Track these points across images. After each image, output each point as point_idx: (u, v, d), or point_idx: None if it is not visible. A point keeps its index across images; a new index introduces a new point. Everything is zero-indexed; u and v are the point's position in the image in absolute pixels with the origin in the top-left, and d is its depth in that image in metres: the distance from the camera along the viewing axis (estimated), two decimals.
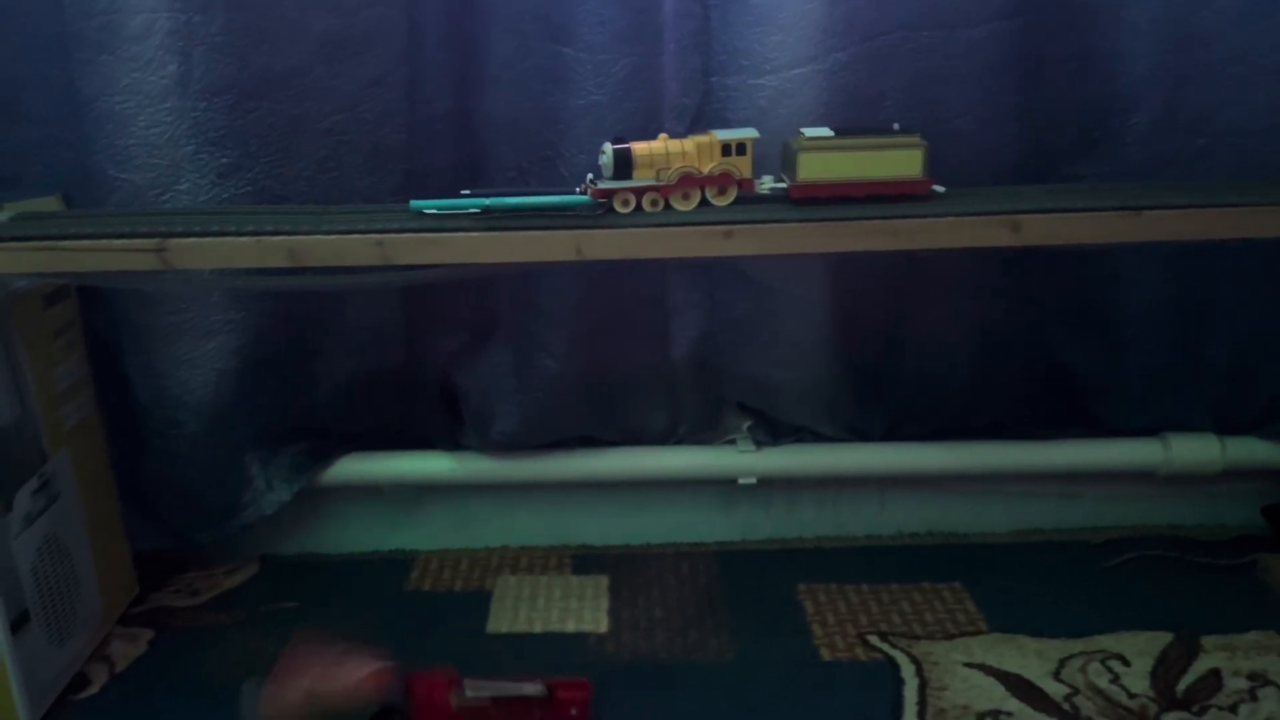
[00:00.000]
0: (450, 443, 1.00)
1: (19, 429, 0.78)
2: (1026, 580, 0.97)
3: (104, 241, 0.75)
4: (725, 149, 0.74)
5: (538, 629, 0.91)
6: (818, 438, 1.01)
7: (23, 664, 0.77)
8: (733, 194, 0.76)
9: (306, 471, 0.98)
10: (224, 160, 0.84)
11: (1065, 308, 0.95)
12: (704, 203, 0.76)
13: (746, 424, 1.01)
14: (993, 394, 0.98)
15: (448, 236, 0.75)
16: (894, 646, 0.87)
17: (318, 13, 0.83)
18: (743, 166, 0.75)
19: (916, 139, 0.74)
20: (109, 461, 0.92)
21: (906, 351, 0.96)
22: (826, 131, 0.75)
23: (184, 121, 0.83)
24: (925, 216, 0.75)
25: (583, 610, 0.93)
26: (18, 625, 0.76)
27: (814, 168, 0.74)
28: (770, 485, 1.03)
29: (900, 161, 0.75)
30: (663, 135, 0.75)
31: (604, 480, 1.02)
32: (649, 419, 1.00)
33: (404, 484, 1.02)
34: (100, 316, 0.90)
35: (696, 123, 0.87)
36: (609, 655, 0.87)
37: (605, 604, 0.94)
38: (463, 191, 0.74)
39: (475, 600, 0.95)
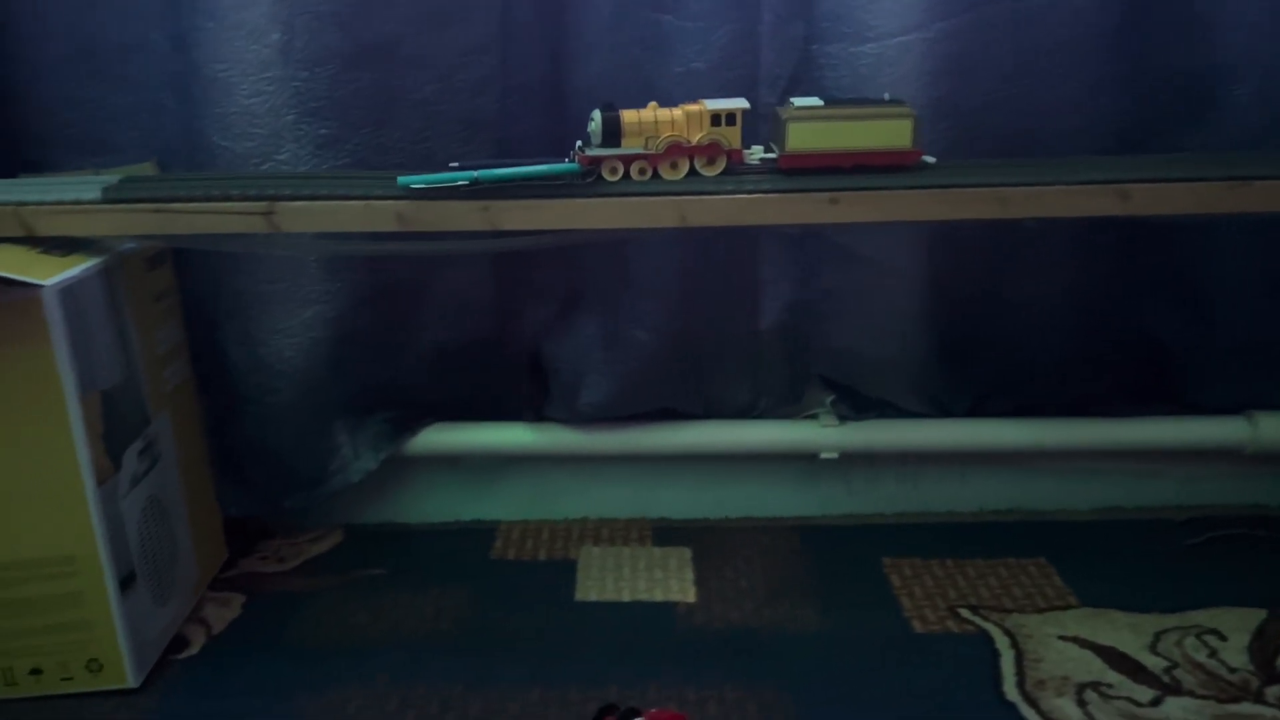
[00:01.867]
0: (533, 414, 1.01)
1: (126, 389, 0.79)
2: (1112, 557, 0.96)
3: (213, 204, 0.76)
4: (715, 119, 0.74)
5: (625, 597, 0.91)
6: (900, 413, 1.01)
7: (130, 624, 0.78)
8: (722, 164, 0.75)
9: (393, 441, 0.99)
10: (323, 131, 0.84)
11: (1158, 282, 0.94)
12: (692, 172, 0.75)
13: (829, 398, 1.01)
14: (1081, 369, 0.97)
15: (552, 203, 0.75)
16: (986, 619, 0.87)
17: None
18: (732, 137, 0.74)
19: (906, 108, 0.74)
20: (202, 426, 0.93)
21: (995, 325, 0.95)
22: (816, 101, 0.75)
23: (285, 91, 0.83)
24: (1035, 184, 0.75)
25: (669, 580, 0.94)
26: (125, 585, 0.77)
27: (803, 138, 0.74)
28: (850, 460, 1.03)
29: (890, 131, 0.74)
30: (652, 104, 0.74)
31: (684, 453, 1.02)
32: (732, 392, 1.00)
33: (485, 455, 1.03)
34: (196, 283, 0.91)
35: (791, 90, 0.86)
36: (699, 625, 0.87)
37: (690, 575, 0.95)
38: (450, 164, 0.73)
39: (561, 569, 0.96)
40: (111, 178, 0.80)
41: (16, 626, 0.76)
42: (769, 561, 0.97)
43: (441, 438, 1.01)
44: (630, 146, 0.74)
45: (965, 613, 0.88)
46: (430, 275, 0.92)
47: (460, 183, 0.72)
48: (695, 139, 0.74)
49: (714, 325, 0.95)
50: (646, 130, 0.73)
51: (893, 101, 0.75)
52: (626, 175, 0.75)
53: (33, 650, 0.76)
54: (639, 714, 0.69)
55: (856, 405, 1.00)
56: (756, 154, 0.77)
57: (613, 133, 0.73)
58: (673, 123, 0.73)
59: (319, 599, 0.91)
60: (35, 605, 0.75)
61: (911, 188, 0.74)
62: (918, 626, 0.86)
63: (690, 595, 0.91)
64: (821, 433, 1.01)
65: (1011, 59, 0.83)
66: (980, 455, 1.03)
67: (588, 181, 0.74)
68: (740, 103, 0.74)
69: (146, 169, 0.90)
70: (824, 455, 1.01)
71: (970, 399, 1.00)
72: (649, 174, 0.75)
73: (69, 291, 0.72)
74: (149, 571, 0.81)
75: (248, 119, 0.83)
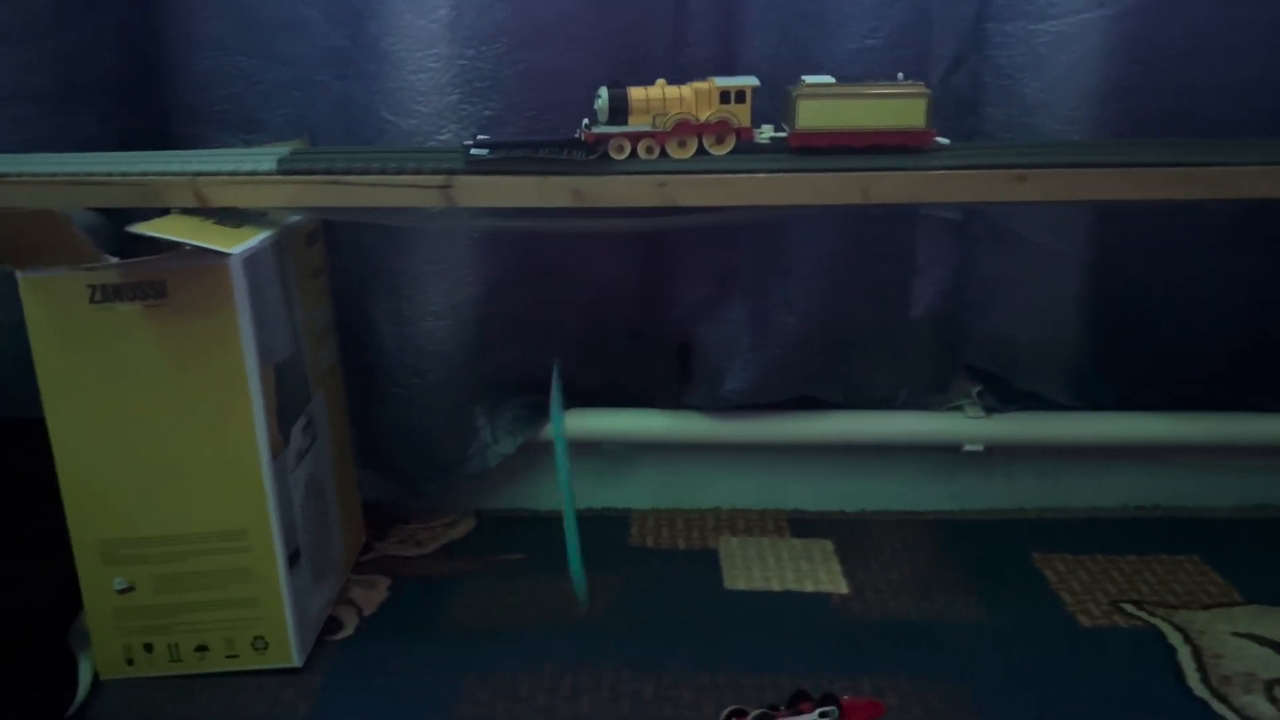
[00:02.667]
0: (671, 400, 0.99)
1: (294, 364, 0.78)
2: (1267, 554, 0.94)
3: (389, 177, 0.74)
4: (724, 96, 0.71)
5: (775, 587, 0.89)
6: (1046, 404, 0.99)
7: (296, 602, 0.76)
8: (731, 142, 0.73)
9: (530, 426, 0.98)
10: (487, 113, 0.83)
11: None
12: (701, 150, 0.73)
13: (976, 389, 0.98)
14: (1234, 362, 0.95)
15: (732, 178, 0.74)
16: (1152, 615, 0.84)
17: None
18: (741, 114, 0.72)
19: (921, 88, 0.71)
20: (347, 408, 0.92)
21: (1151, 315, 0.93)
22: (828, 79, 0.73)
23: (450, 70, 0.82)
24: (1226, 164, 0.73)
25: (816, 571, 0.92)
26: (292, 562, 0.76)
27: (814, 116, 0.71)
28: (991, 453, 1.01)
29: (903, 111, 0.71)
30: (660, 81, 0.72)
31: (822, 444, 1.00)
32: (875, 380, 0.98)
33: (620, 441, 1.01)
34: (345, 263, 0.90)
35: (956, 69, 0.85)
36: (858, 615, 0.85)
37: (836, 566, 0.93)
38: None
39: (704, 558, 0.94)
40: (282, 149, 0.79)
41: (184, 601, 0.75)
42: (916, 555, 0.95)
43: (575, 424, 0.99)
44: (637, 124, 0.71)
45: (1130, 608, 0.85)
46: (580, 259, 0.91)
47: None
48: (704, 117, 0.71)
49: (864, 311, 0.93)
50: (654, 108, 0.71)
51: (906, 80, 0.72)
52: (634, 154, 0.72)
53: (199, 626, 0.76)
54: (836, 700, 0.67)
55: (1003, 396, 0.98)
56: (766, 133, 0.74)
57: (620, 110, 0.70)
58: (681, 100, 0.71)
59: (464, 583, 0.90)
60: (204, 580, 0.75)
61: (1102, 165, 0.73)
62: (1084, 621, 0.84)
63: (842, 586, 0.89)
64: (967, 424, 0.99)
65: (1195, 36, 0.81)
66: (1124, 449, 1.00)
67: (594, 159, 0.71)
68: (750, 80, 0.72)
69: (297, 146, 0.89)
70: (968, 448, 0.99)
71: (1120, 391, 0.98)
72: (656, 152, 0.72)
73: (251, 261, 0.71)
74: (310, 550, 0.80)
75: (412, 96, 0.82)
